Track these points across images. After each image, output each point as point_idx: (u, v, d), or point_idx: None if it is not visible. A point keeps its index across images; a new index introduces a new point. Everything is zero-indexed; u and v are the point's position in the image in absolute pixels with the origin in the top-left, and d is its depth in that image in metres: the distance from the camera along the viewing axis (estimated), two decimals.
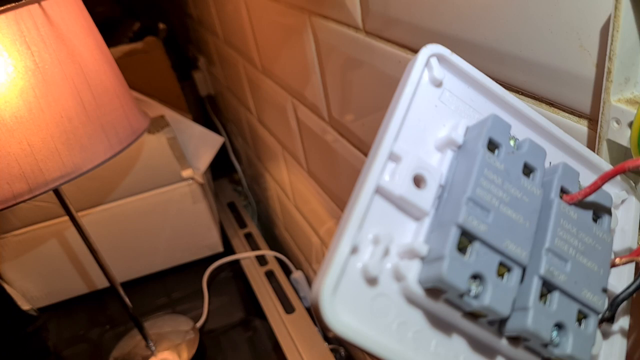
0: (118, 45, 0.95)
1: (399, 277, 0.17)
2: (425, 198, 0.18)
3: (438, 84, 0.20)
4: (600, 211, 0.20)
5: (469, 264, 0.17)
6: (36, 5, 0.44)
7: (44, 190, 0.47)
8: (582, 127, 0.23)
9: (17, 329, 0.83)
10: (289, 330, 0.71)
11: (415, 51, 0.34)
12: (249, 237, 0.94)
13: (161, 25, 1.10)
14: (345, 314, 0.16)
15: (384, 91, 0.40)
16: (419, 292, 0.17)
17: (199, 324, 0.76)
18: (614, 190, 0.22)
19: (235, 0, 0.73)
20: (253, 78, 0.79)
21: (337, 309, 0.16)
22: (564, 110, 0.24)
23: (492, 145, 0.19)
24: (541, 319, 0.17)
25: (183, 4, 1.19)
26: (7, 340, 0.81)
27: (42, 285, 0.83)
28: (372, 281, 0.17)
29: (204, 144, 0.85)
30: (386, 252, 0.17)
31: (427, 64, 0.20)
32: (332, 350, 0.68)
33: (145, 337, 0.70)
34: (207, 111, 1.29)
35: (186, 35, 1.31)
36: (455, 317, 0.17)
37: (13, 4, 0.43)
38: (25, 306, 0.83)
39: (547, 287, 0.18)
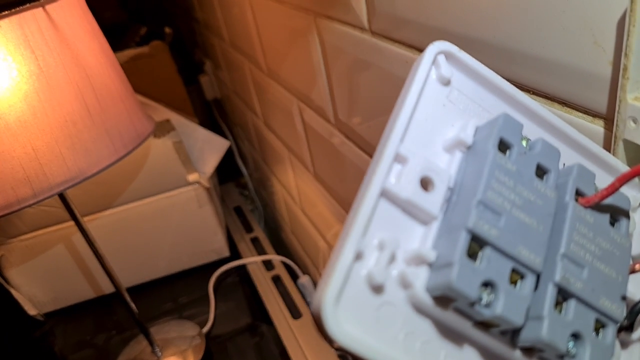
0: (125, 50, 0.95)
1: (405, 284, 0.16)
2: (433, 201, 0.17)
3: (446, 82, 0.19)
4: (617, 214, 0.19)
5: (479, 270, 0.16)
6: (40, 9, 0.44)
7: (48, 195, 0.47)
8: (597, 127, 0.22)
9: (23, 334, 0.83)
10: (296, 335, 0.70)
11: (422, 51, 0.33)
12: (255, 241, 0.94)
13: (167, 30, 1.10)
14: (349, 324, 0.15)
15: (391, 92, 0.39)
16: (427, 300, 0.16)
17: (205, 329, 0.76)
18: (632, 192, 0.21)
19: (240, 2, 0.72)
20: (259, 81, 0.79)
21: (340, 318, 0.15)
22: (577, 110, 0.23)
23: (503, 146, 0.18)
24: (557, 329, 0.16)
25: (189, 8, 1.20)
26: (14, 345, 0.82)
27: (48, 291, 0.83)
28: (377, 289, 0.16)
29: (210, 148, 0.85)
30: (392, 258, 0.17)
31: (435, 61, 0.19)
32: (339, 356, 0.68)
33: (151, 342, 0.70)
34: (213, 115, 1.30)
35: (193, 39, 1.32)
36: (465, 326, 0.17)
37: (17, 8, 0.43)
38: (31, 311, 0.83)
39: (563, 295, 0.17)
